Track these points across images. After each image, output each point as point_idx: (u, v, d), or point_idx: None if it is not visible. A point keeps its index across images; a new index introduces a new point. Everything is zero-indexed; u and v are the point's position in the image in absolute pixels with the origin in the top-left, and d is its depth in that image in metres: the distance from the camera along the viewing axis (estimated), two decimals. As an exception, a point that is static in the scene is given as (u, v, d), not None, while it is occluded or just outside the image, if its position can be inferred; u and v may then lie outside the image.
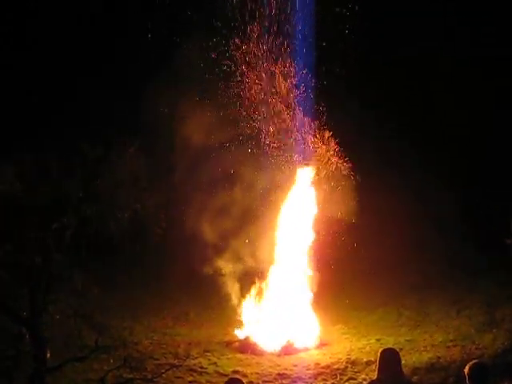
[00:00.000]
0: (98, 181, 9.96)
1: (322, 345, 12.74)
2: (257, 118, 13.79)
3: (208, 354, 12.12)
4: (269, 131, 13.74)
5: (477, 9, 17.50)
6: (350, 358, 11.47)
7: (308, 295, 13.42)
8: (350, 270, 15.83)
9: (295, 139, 13.75)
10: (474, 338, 11.88)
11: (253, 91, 13.61)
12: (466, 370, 5.05)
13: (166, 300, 15.46)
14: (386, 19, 17.03)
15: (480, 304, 13.63)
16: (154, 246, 12.72)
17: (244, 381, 5.43)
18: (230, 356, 12.14)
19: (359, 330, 13.53)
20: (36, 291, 9.11)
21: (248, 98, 13.64)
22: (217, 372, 11.16)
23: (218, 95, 13.57)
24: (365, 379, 10.29)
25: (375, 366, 5.50)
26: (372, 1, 15.52)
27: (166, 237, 11.71)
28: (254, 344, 12.66)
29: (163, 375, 10.58)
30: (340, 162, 13.65)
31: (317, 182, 13.66)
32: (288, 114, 13.69)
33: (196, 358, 11.81)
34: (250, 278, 14.05)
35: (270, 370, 11.29)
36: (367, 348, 12.02)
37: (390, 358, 5.40)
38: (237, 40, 13.28)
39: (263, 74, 13.56)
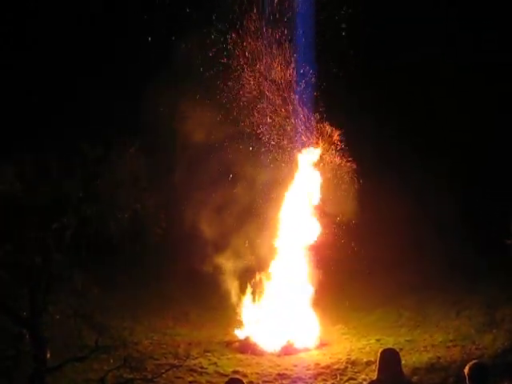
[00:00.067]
0: (98, 181, 9.94)
1: (322, 345, 12.74)
2: (256, 115, 13.80)
3: (208, 354, 12.13)
4: (269, 124, 13.73)
5: (478, 14, 17.52)
6: (350, 359, 11.47)
7: (308, 295, 13.42)
8: (350, 271, 15.83)
9: (295, 130, 13.73)
10: (474, 339, 11.89)
11: (252, 87, 13.61)
12: (466, 370, 5.05)
13: (166, 300, 15.45)
14: (387, 25, 17.03)
15: (480, 305, 13.62)
16: (154, 245, 12.69)
17: (244, 381, 5.43)
18: (230, 356, 12.14)
19: (359, 331, 13.53)
20: (36, 291, 9.10)
21: (249, 92, 13.64)
22: (217, 372, 11.16)
23: (218, 94, 13.58)
24: (365, 379, 10.29)
25: (375, 367, 5.50)
26: (374, 6, 15.53)
27: (165, 237, 11.69)
28: (254, 344, 12.66)
29: (163, 375, 10.59)
30: (343, 161, 13.67)
31: (317, 183, 13.66)
32: (287, 109, 13.68)
33: (196, 358, 11.82)
34: (250, 278, 14.05)
35: (270, 370, 11.29)
36: (367, 348, 12.02)
37: (390, 358, 5.40)
38: (234, 35, 13.30)
39: (263, 69, 13.56)
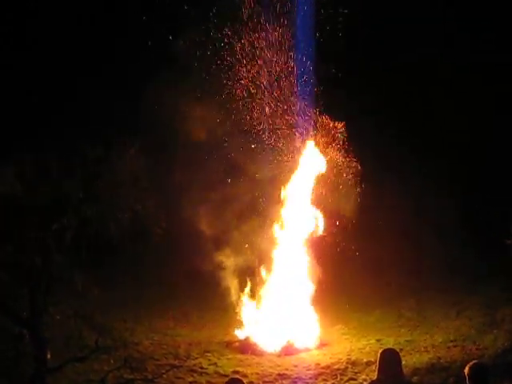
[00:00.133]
0: (98, 181, 9.93)
1: (322, 345, 12.73)
2: (256, 112, 13.80)
3: (208, 354, 12.13)
4: (268, 121, 13.73)
5: (476, 15, 17.51)
6: (350, 359, 11.46)
7: (308, 296, 13.41)
8: (350, 272, 15.84)
9: (296, 125, 13.72)
10: (475, 339, 11.88)
11: (252, 84, 13.62)
12: (467, 370, 5.05)
13: (167, 300, 15.44)
14: (385, 25, 17.04)
15: (480, 305, 13.63)
16: (155, 246, 12.69)
17: (244, 381, 5.43)
18: (230, 356, 12.14)
19: (359, 331, 13.52)
20: (36, 292, 9.09)
21: (248, 89, 13.64)
22: (217, 372, 11.15)
23: (217, 92, 13.58)
24: (365, 379, 10.28)
25: (375, 367, 5.49)
26: (372, 7, 15.54)
27: (166, 237, 11.68)
28: (255, 344, 12.65)
29: (164, 376, 10.59)
30: (346, 160, 13.66)
31: (318, 182, 13.66)
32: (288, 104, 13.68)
33: (196, 358, 11.82)
34: (250, 278, 14.05)
35: (271, 370, 11.28)
36: (367, 348, 12.01)
37: (390, 359, 5.40)
38: (232, 32, 13.30)
39: (263, 66, 13.56)
